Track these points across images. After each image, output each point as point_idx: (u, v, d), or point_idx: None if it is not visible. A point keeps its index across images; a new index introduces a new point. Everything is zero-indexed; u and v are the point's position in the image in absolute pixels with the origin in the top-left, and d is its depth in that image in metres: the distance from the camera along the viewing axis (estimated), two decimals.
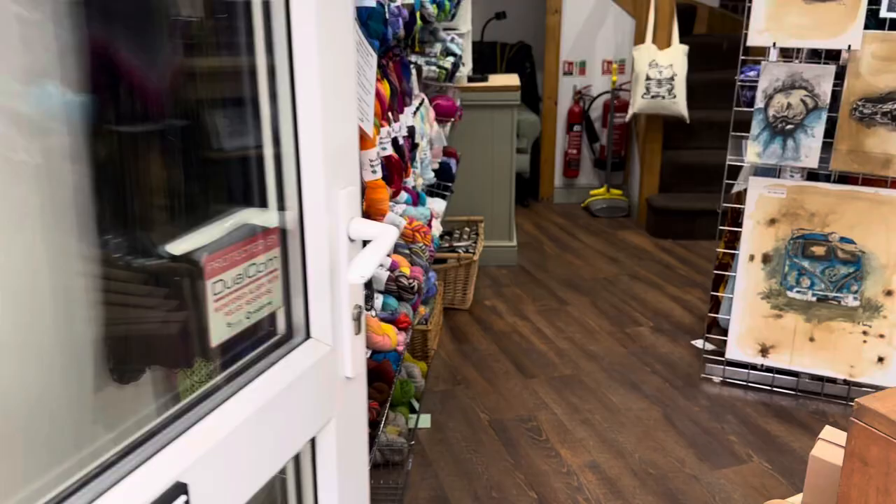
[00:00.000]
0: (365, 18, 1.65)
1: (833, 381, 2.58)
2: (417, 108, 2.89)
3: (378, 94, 1.84)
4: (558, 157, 5.32)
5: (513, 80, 4.05)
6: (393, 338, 1.78)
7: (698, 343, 3.06)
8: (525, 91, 5.35)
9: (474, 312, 3.49)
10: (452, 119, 3.28)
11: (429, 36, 3.48)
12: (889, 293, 2.43)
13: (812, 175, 2.52)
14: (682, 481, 2.19)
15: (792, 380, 2.65)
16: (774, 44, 2.39)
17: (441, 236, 3.79)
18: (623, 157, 5.16)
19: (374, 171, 1.70)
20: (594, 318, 3.40)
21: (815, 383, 2.62)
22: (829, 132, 2.42)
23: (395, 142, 2.07)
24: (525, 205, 5.24)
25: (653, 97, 4.32)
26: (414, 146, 2.50)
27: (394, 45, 2.25)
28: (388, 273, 2.06)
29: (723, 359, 2.74)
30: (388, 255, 2.08)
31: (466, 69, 4.02)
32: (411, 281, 2.07)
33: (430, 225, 2.44)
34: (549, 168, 5.33)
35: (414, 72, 2.70)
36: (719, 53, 5.21)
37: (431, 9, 2.74)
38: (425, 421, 2.49)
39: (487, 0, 5.64)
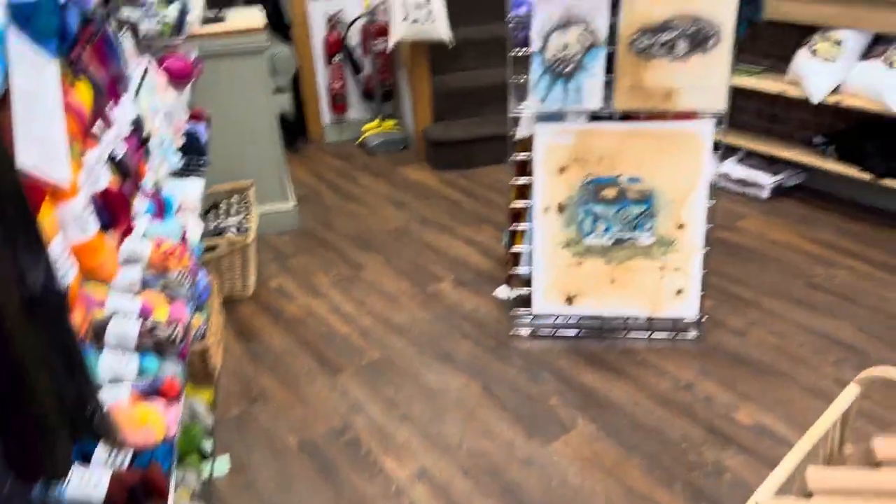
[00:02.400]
0: (28, 16, 1.12)
1: (636, 318, 2.60)
2: (140, 84, 2.31)
3: (72, 110, 1.32)
4: (322, 93, 4.86)
5: (255, 19, 3.48)
6: (159, 425, 1.37)
7: (501, 294, 2.95)
8: (271, 20, 4.74)
9: (260, 298, 3.08)
10: (190, 81, 2.71)
11: None
12: (681, 226, 2.43)
13: (596, 117, 2.40)
14: (517, 469, 2.07)
15: (598, 322, 2.64)
16: None
17: (206, 211, 3.26)
18: (391, 85, 4.83)
19: (83, 230, 1.22)
20: (393, 280, 3.15)
21: (619, 321, 2.62)
22: (610, 69, 2.29)
23: (112, 158, 1.56)
24: (296, 149, 4.77)
25: (413, 22, 4.00)
26: (144, 140, 1.97)
27: (89, 18, 1.68)
28: (140, 322, 1.60)
29: (528, 311, 2.64)
30: (136, 295, 1.61)
31: (197, 9, 3.38)
32: (173, 329, 1.63)
33: (184, 239, 1.97)
34: (315, 105, 4.86)
35: (127, 39, 2.11)
36: None
37: None
38: (223, 466, 2.11)
39: None
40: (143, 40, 2.61)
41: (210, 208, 3.28)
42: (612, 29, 2.24)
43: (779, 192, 3.69)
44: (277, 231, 3.65)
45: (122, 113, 1.80)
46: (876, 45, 3.14)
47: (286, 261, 3.39)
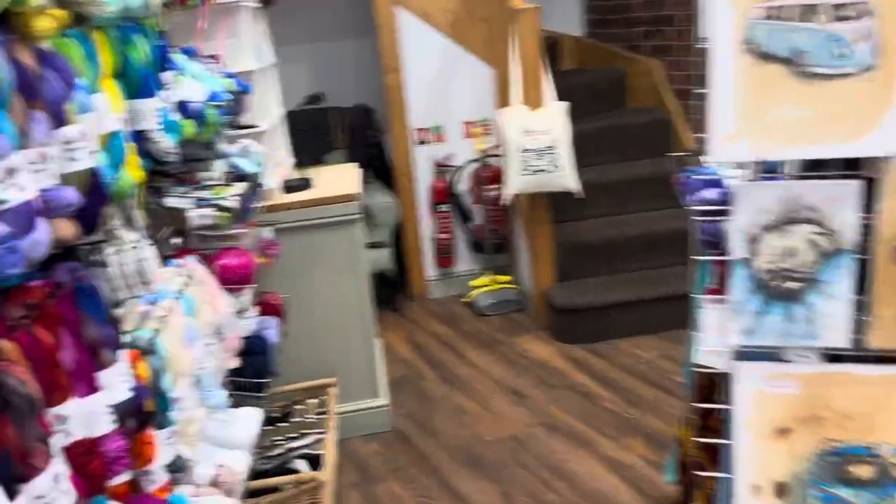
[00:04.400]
0: None
1: None
2: (181, 294, 1.71)
3: None
4: (427, 245, 4.24)
5: (348, 181, 2.91)
6: None
7: None
8: (373, 167, 4.24)
9: None
10: (250, 283, 2.10)
11: (202, 150, 2.28)
12: None
13: (837, 355, 1.54)
14: None
15: None
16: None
17: (272, 421, 2.59)
18: (505, 236, 4.15)
19: None
20: None
21: None
22: (862, 288, 1.46)
23: None
24: (395, 309, 4.12)
25: (534, 173, 3.32)
26: (144, 421, 1.30)
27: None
28: None
29: None
30: None
31: (279, 175, 2.85)
32: None
33: None
34: (418, 259, 4.24)
35: (104, 303, 1.50)
36: (597, 93, 4.34)
37: (166, 140, 1.56)
38: None
39: (312, 67, 4.49)
40: (194, 231, 2.04)
41: (277, 419, 2.60)
42: (866, 229, 1.42)
43: None
44: (365, 434, 2.92)
45: (93, 403, 1.13)
46: None
47: (372, 486, 2.62)
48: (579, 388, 3.13)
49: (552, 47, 4.38)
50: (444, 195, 4.11)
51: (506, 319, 3.91)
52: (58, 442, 0.98)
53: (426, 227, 4.20)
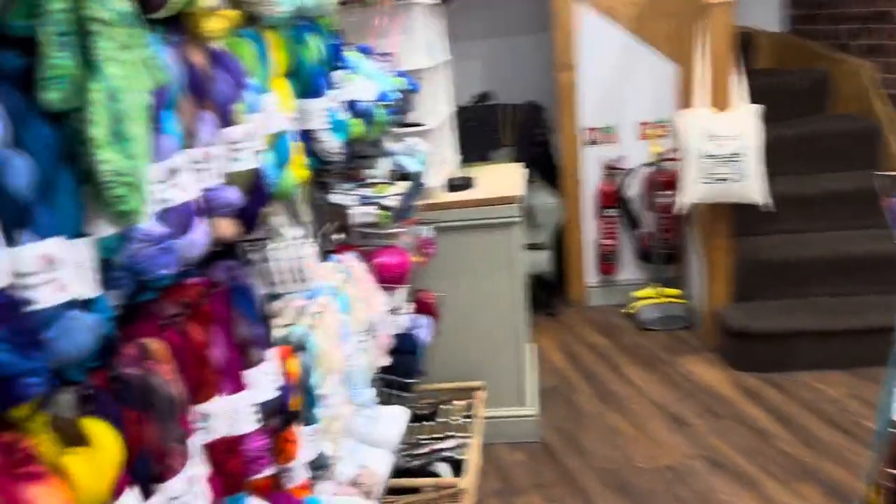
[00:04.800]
0: None
1: None
2: (337, 291, 1.73)
3: None
4: (589, 250, 4.07)
5: (512, 183, 2.84)
6: None
7: None
8: (539, 165, 4.14)
9: None
10: (404, 283, 2.09)
11: (369, 147, 2.30)
12: None
13: None
14: None
15: None
16: None
17: (420, 418, 2.58)
18: (676, 246, 3.88)
19: None
20: None
21: None
22: None
23: None
24: (552, 314, 4.00)
25: (716, 181, 3.06)
26: (288, 419, 1.30)
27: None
28: None
29: None
30: None
31: (442, 173, 2.84)
32: None
33: None
34: (578, 263, 4.08)
35: (257, 297, 1.52)
36: (795, 96, 3.92)
37: (333, 140, 1.56)
38: None
39: (484, 63, 4.46)
40: (355, 228, 2.06)
41: (423, 417, 2.59)
42: None
43: None
44: (510, 441, 2.84)
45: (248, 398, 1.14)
46: None
47: (512, 499, 2.54)
48: (749, 421, 2.84)
49: (745, 44, 4.01)
50: (611, 199, 3.92)
51: (670, 336, 3.65)
52: (198, 439, 1.00)
53: (590, 231, 4.04)
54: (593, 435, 2.88)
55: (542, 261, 3.88)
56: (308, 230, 1.71)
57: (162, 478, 0.86)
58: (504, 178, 2.92)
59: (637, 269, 4.06)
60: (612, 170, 3.92)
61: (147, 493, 0.83)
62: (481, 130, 4.01)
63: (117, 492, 0.76)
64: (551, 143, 4.29)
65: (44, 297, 0.67)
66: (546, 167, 4.25)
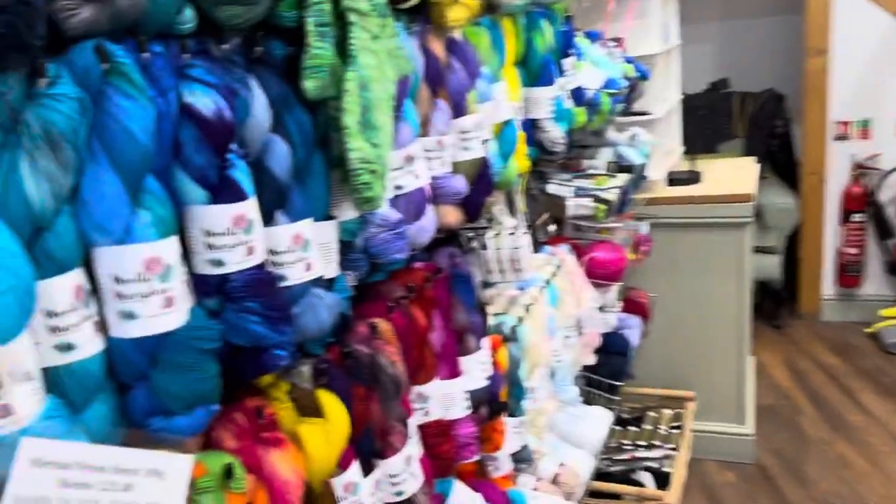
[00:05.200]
0: None
1: None
2: (547, 283, 1.71)
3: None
4: (828, 258, 3.64)
5: (744, 180, 2.61)
6: None
7: None
8: (774, 160, 3.78)
9: None
10: (617, 281, 2.01)
11: (590, 137, 2.23)
12: None
13: None
14: None
15: None
16: None
17: (625, 422, 2.48)
18: None
19: None
20: None
21: None
22: None
23: None
24: (777, 326, 3.65)
25: None
26: (496, 409, 1.30)
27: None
28: None
29: None
30: None
31: (664, 166, 2.68)
32: None
33: None
34: (814, 272, 3.67)
35: (476, 282, 1.50)
36: None
37: (557, 130, 1.53)
38: None
39: (718, 47, 4.14)
40: (570, 220, 2.02)
41: (627, 421, 2.49)
42: None
43: None
44: (721, 460, 2.64)
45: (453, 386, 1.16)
46: None
47: None
48: None
49: None
50: (860, 202, 3.46)
51: None
52: (416, 420, 1.02)
53: (830, 236, 3.61)
54: (818, 464, 2.58)
55: (771, 266, 3.54)
56: (523, 220, 1.69)
57: (382, 455, 0.89)
58: (734, 174, 2.70)
59: (885, 284, 3.56)
60: (863, 170, 3.46)
61: (367, 469, 0.86)
62: (710, 120, 3.73)
63: (344, 464, 0.79)
64: (791, 136, 3.89)
65: (293, 275, 0.72)
66: (783, 163, 3.87)
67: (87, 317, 0.53)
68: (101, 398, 0.55)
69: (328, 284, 0.79)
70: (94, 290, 0.55)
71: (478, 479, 1.29)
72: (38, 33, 0.47)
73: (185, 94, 0.60)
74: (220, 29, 0.65)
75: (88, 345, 0.53)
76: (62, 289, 0.51)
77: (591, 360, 1.97)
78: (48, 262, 0.51)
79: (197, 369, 0.57)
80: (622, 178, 2.09)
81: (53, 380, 0.51)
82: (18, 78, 0.48)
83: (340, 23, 0.76)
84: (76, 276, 0.53)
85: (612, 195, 1.95)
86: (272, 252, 0.70)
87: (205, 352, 0.58)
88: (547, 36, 1.50)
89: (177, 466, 0.52)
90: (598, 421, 1.92)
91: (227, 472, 0.63)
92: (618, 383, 2.08)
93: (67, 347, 0.52)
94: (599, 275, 1.94)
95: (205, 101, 0.60)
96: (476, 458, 1.20)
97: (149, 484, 0.51)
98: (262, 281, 0.66)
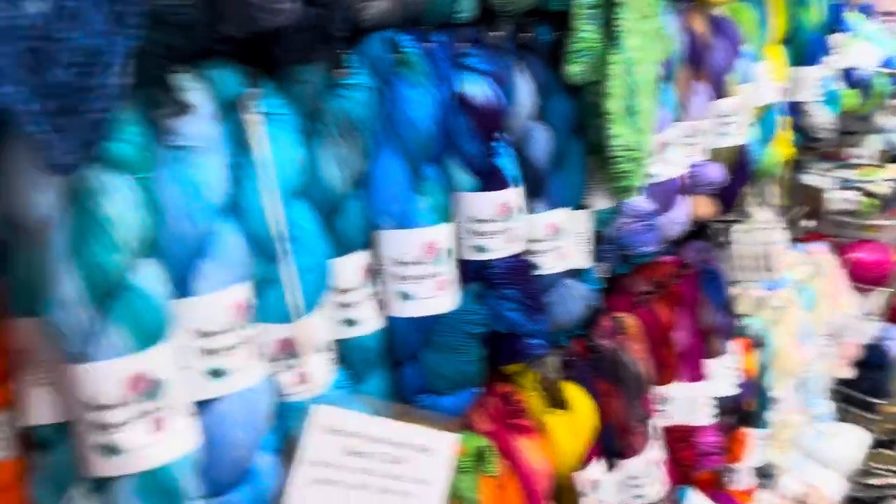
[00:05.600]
0: None
1: None
2: (802, 285, 1.55)
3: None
4: None
5: None
6: None
7: None
8: None
9: None
10: (886, 284, 1.76)
11: (856, 123, 1.97)
12: None
13: None
14: None
15: None
16: None
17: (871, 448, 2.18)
18: None
19: None
20: None
21: None
22: None
23: None
24: None
25: None
26: (742, 418, 1.20)
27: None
28: None
29: None
30: None
31: None
32: None
33: None
34: None
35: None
36: None
37: (825, 114, 1.36)
38: None
39: None
40: (828, 215, 1.80)
41: (881, 443, 2.18)
42: None
43: None
44: None
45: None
46: None
47: None
48: None
49: None
50: None
51: None
52: (657, 423, 0.97)
53: None
54: None
55: None
56: (777, 213, 1.54)
57: (623, 455, 0.85)
58: None
59: None
60: None
61: (609, 468, 0.83)
62: None
63: (587, 459, 0.77)
64: None
65: (547, 264, 0.71)
66: None
67: (370, 295, 0.57)
68: (377, 373, 0.58)
69: (578, 275, 0.77)
70: (375, 271, 0.58)
71: (715, 489, 1.21)
72: (342, 25, 0.49)
73: (461, 83, 0.61)
74: (491, 16, 0.65)
75: (370, 321, 0.56)
76: (350, 268, 0.55)
77: (848, 372, 1.76)
78: (339, 242, 0.54)
79: (464, 351, 0.58)
80: (894, 170, 1.82)
81: (339, 352, 0.55)
82: (320, 69, 0.52)
83: (607, 3, 0.73)
84: (363, 257, 0.56)
85: (884, 188, 1.71)
86: (530, 240, 0.70)
87: (472, 335, 0.59)
88: (815, 10, 1.34)
89: (444, 444, 0.54)
90: (853, 441, 1.71)
91: (479, 455, 0.64)
92: (876, 401, 1.84)
93: (352, 322, 0.55)
94: (863, 278, 1.72)
95: (479, 90, 0.61)
96: (717, 467, 1.12)
97: (417, 459, 0.53)
98: (520, 269, 0.66)
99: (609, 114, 0.71)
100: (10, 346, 0.44)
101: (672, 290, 1.01)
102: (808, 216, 1.79)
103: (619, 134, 0.71)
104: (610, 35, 0.73)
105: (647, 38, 0.77)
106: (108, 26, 0.32)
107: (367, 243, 0.57)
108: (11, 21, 0.29)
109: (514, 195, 0.64)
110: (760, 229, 1.38)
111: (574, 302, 0.73)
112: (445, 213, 0.58)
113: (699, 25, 0.98)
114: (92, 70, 0.31)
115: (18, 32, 0.29)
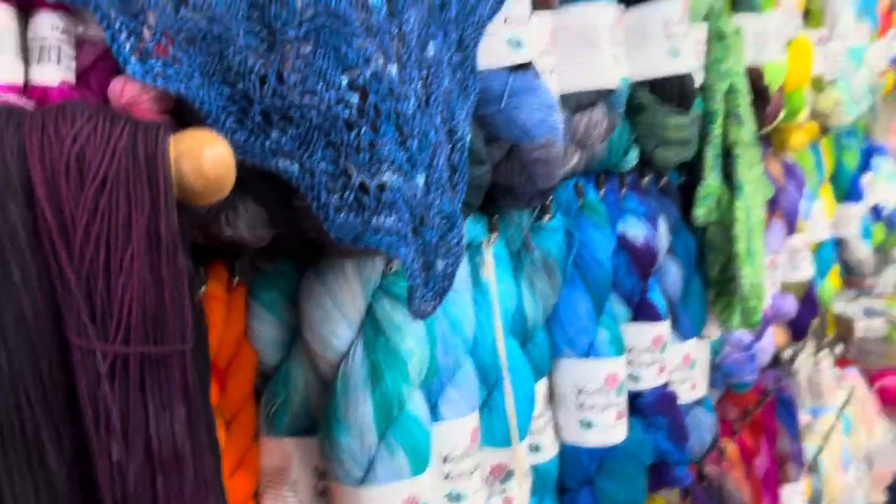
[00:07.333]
0: None
1: None
2: (842, 410, 1.58)
3: None
4: None
5: None
6: None
7: None
8: None
9: None
10: None
11: (876, 254, 2.08)
12: None
13: None
14: None
15: None
16: None
17: None
18: None
19: None
20: None
21: None
22: None
23: None
24: None
25: None
26: None
27: None
28: None
29: None
30: None
31: None
32: None
33: None
34: None
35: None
36: None
37: (864, 249, 1.45)
38: None
39: None
40: (859, 342, 1.86)
41: None
42: None
43: None
44: None
45: None
46: None
47: None
48: None
49: None
50: None
51: None
52: None
53: None
54: None
55: None
56: (823, 342, 1.60)
57: None
58: None
59: None
60: None
61: None
62: None
63: None
64: None
65: (682, 394, 0.74)
66: None
67: (549, 421, 0.59)
68: (550, 498, 0.60)
69: (702, 404, 0.80)
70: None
71: None
72: (555, 181, 0.55)
73: (622, 225, 0.66)
74: (643, 164, 0.71)
75: (550, 447, 0.59)
76: (538, 394, 0.58)
77: (882, 498, 1.76)
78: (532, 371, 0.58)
79: (636, 479, 0.61)
80: None
81: None
82: (529, 213, 0.57)
83: (725, 153, 0.81)
84: (545, 385, 0.59)
85: None
86: (669, 370, 0.73)
87: (642, 464, 0.61)
88: (855, 153, 1.46)
89: None
90: None
91: None
92: None
93: (537, 448, 0.58)
94: (891, 403, 1.76)
95: (640, 231, 0.66)
96: None
97: None
98: (668, 398, 0.69)
99: (739, 255, 0.77)
100: (261, 465, 0.46)
101: (754, 417, 1.04)
102: (838, 341, 1.85)
103: (748, 274, 0.77)
104: (731, 182, 0.80)
105: (755, 185, 0.84)
106: (452, 193, 0.37)
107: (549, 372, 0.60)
108: (405, 192, 0.33)
109: (665, 328, 0.69)
110: (810, 356, 1.43)
111: (705, 430, 0.76)
112: (622, 346, 0.62)
113: (775, 169, 1.07)
114: (450, 230, 0.36)
115: (411, 202, 0.33)
